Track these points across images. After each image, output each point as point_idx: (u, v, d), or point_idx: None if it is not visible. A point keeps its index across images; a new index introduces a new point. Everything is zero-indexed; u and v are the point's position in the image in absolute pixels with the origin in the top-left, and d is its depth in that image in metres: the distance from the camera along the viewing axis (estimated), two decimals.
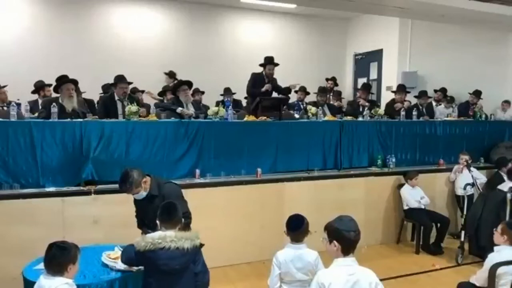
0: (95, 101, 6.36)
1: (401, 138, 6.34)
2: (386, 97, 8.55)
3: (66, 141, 4.41)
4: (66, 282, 2.49)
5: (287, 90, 6.55)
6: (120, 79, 5.31)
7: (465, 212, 5.41)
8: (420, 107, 7.16)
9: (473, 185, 5.64)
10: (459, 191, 6.02)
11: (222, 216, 4.89)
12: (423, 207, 5.75)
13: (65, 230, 4.08)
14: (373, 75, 9.87)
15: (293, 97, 7.59)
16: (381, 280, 2.46)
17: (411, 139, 6.43)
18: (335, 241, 2.42)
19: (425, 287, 4.65)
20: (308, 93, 7.86)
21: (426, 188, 5.94)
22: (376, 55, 9.67)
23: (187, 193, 4.53)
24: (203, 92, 7.73)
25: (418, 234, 5.66)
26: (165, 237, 2.71)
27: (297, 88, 6.97)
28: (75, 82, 5.03)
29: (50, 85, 6.12)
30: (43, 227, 4.02)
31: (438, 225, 5.70)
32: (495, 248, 3.54)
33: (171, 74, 8.23)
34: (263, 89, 6.28)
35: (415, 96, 7.49)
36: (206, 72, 8.41)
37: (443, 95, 8.43)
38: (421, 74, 8.96)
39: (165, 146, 4.88)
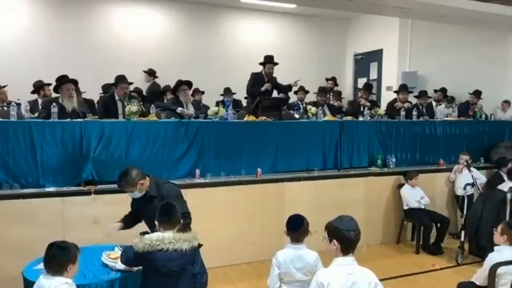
0: (95, 101, 6.37)
1: (401, 138, 6.34)
2: (386, 97, 8.55)
3: (66, 141, 4.40)
4: (66, 282, 2.49)
5: (288, 88, 6.55)
6: (121, 79, 5.31)
7: (465, 212, 5.40)
8: (420, 107, 7.17)
9: (473, 185, 5.64)
10: (459, 191, 6.01)
11: (222, 216, 4.89)
12: (423, 207, 5.75)
13: (65, 230, 4.09)
14: (373, 75, 9.86)
15: (293, 97, 7.59)
16: (381, 280, 2.46)
17: (411, 139, 6.43)
18: (334, 240, 2.42)
19: (425, 287, 4.65)
20: (307, 92, 7.86)
21: (426, 188, 5.94)
22: (376, 55, 9.67)
23: (187, 193, 4.54)
24: (203, 92, 7.73)
25: (418, 234, 5.66)
26: (163, 238, 2.70)
27: (298, 85, 6.97)
28: (75, 82, 5.03)
29: (49, 84, 6.13)
30: (43, 227, 4.02)
31: (438, 225, 5.70)
32: (495, 248, 3.54)
33: (150, 72, 8.13)
34: (263, 88, 6.30)
35: (415, 96, 7.49)
36: (206, 72, 8.41)
37: (443, 95, 8.43)
38: (421, 74, 8.96)
39: (165, 146, 4.88)
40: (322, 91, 7.05)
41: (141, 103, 5.57)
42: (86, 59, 7.88)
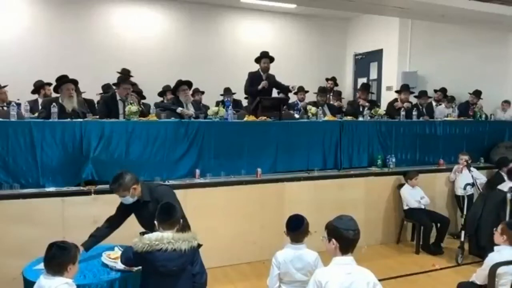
0: (95, 101, 6.36)
1: (401, 138, 6.33)
2: (386, 97, 8.55)
3: (66, 141, 4.40)
4: (66, 282, 2.49)
5: (287, 89, 6.54)
6: (123, 79, 5.31)
7: (465, 212, 5.40)
8: (420, 107, 7.17)
9: (473, 185, 5.64)
10: (459, 191, 6.01)
11: (222, 216, 4.89)
12: (423, 207, 5.75)
13: (65, 230, 4.09)
14: (373, 75, 9.87)
15: (293, 97, 7.58)
16: (381, 280, 2.46)
17: (411, 139, 6.43)
18: (333, 240, 2.43)
19: (425, 287, 4.65)
20: (307, 92, 7.85)
21: (426, 188, 5.94)
22: (376, 55, 9.68)
23: (187, 193, 4.57)
24: (203, 92, 7.73)
25: (418, 234, 5.65)
26: (162, 238, 2.70)
27: (295, 90, 6.95)
28: (75, 82, 5.03)
29: (50, 84, 6.13)
30: (43, 227, 4.02)
31: (438, 225, 5.70)
32: (495, 248, 3.55)
33: (124, 73, 8.00)
34: (260, 86, 6.22)
35: (415, 96, 7.49)
36: (206, 72, 8.42)
37: (443, 95, 8.44)
38: (421, 74, 8.96)
39: (165, 146, 4.87)
40: (322, 91, 7.04)
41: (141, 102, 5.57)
42: (86, 59, 7.89)
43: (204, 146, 5.07)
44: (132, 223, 3.57)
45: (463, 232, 5.34)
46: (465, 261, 5.24)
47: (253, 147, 5.31)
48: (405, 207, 5.79)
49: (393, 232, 6.02)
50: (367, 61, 10.07)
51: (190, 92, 6.20)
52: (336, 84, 9.34)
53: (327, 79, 9.31)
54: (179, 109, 5.50)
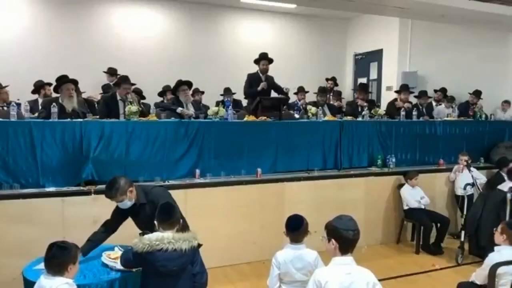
0: (95, 101, 6.36)
1: (401, 138, 6.33)
2: (386, 97, 8.55)
3: (66, 141, 4.40)
4: (66, 282, 2.49)
5: (282, 91, 6.52)
6: (124, 79, 5.31)
7: (465, 212, 5.41)
8: (420, 107, 7.17)
9: (473, 185, 5.64)
10: (459, 191, 6.01)
11: (222, 216, 4.89)
12: (423, 207, 5.75)
13: (65, 230, 4.08)
14: (373, 75, 9.87)
15: (293, 97, 7.58)
16: (381, 280, 2.46)
17: (411, 139, 6.43)
18: (333, 240, 2.42)
19: (425, 287, 4.65)
20: (307, 91, 7.85)
21: (426, 188, 5.94)
22: (376, 55, 9.67)
23: (187, 193, 4.58)
24: (203, 92, 7.73)
25: (418, 234, 5.66)
26: (162, 238, 2.70)
27: (289, 91, 6.92)
28: (75, 82, 5.04)
29: (50, 84, 6.13)
30: (43, 227, 4.02)
31: (438, 225, 5.70)
32: (495, 248, 3.54)
33: (111, 72, 7.96)
34: (259, 88, 6.24)
35: (415, 96, 7.49)
36: (206, 72, 8.41)
37: (443, 95, 8.44)
38: (421, 74, 8.96)
39: (165, 146, 4.87)
40: (322, 91, 7.05)
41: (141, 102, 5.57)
42: (86, 59, 7.88)
43: (204, 146, 5.07)
44: (132, 223, 3.57)
45: (463, 232, 5.34)
46: (465, 261, 5.24)
47: (253, 147, 5.31)
48: (405, 207, 5.79)
49: (393, 232, 6.02)
50: (367, 61, 10.06)
51: (190, 92, 6.20)
52: (336, 84, 9.34)
53: (327, 79, 9.31)
54: (179, 109, 5.50)
